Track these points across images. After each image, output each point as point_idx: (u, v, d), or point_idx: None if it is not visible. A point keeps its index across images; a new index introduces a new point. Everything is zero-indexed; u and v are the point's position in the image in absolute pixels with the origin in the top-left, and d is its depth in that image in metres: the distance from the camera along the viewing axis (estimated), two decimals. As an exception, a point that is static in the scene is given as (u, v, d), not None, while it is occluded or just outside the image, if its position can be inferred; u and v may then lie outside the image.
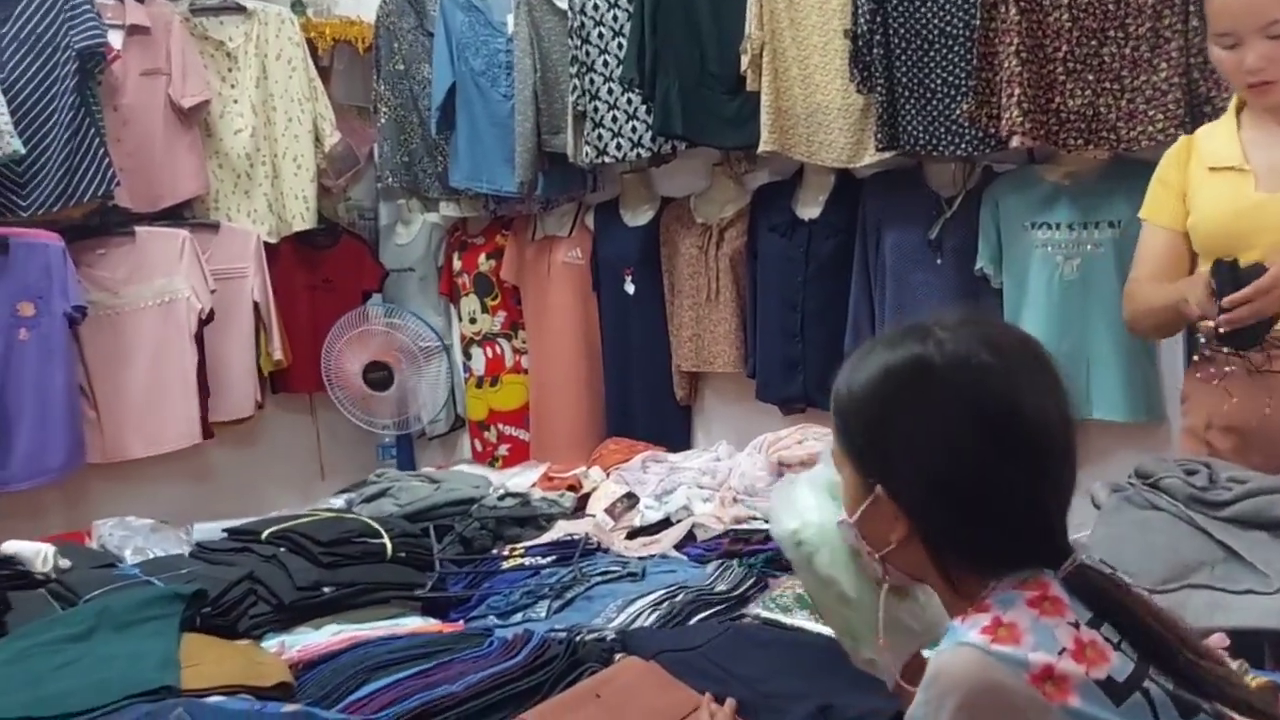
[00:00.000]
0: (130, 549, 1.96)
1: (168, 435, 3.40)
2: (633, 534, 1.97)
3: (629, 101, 3.03)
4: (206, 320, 3.41)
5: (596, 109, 3.07)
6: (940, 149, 2.50)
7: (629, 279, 3.30)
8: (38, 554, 1.78)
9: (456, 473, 2.39)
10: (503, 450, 3.70)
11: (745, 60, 2.74)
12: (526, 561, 1.80)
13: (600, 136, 3.06)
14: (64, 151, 3.03)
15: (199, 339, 3.42)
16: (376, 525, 1.85)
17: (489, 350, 3.72)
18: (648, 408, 3.29)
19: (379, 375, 3.66)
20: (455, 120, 3.46)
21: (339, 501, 2.19)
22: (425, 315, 3.80)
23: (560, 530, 1.95)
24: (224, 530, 1.97)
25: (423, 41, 3.63)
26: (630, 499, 2.08)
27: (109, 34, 3.18)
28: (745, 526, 1.85)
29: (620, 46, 3.02)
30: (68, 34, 3.04)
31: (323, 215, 3.79)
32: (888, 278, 2.69)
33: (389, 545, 1.79)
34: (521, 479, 2.37)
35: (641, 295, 3.29)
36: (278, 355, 3.61)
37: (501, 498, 2.11)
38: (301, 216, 3.65)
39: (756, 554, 1.71)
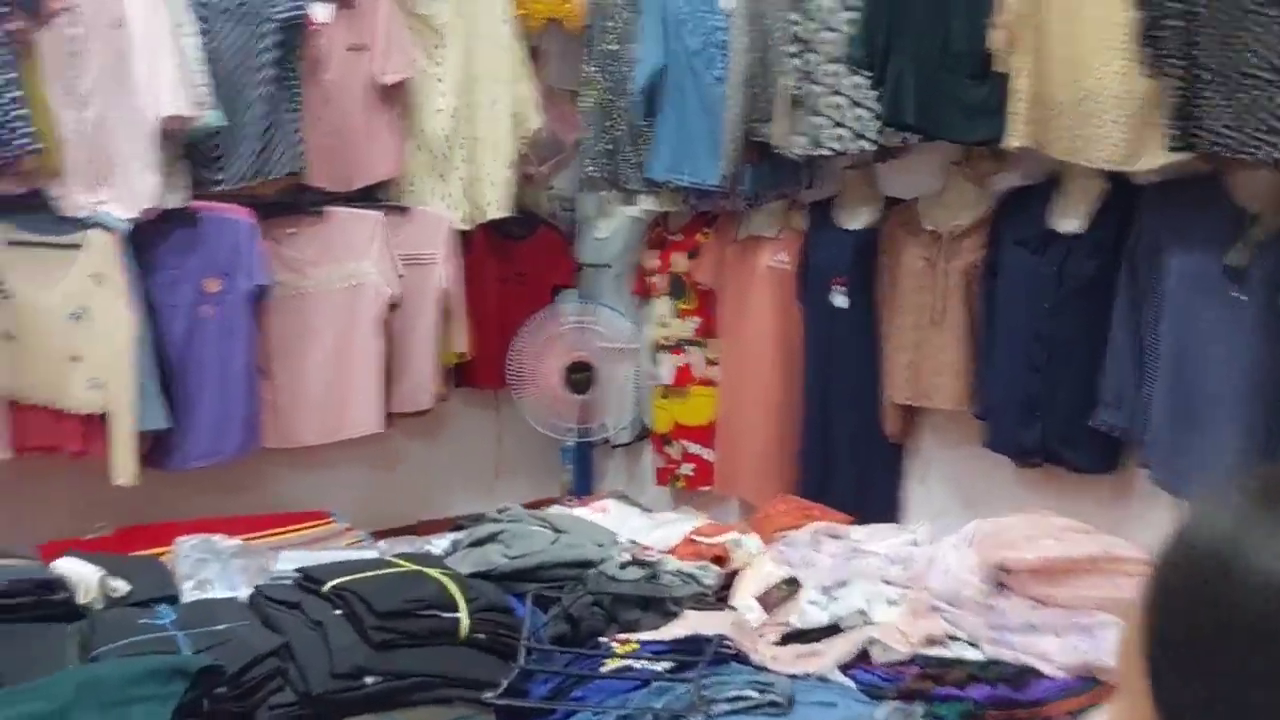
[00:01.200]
0: (197, 579, 1.74)
1: (346, 423, 3.29)
2: (787, 638, 1.55)
3: (854, 86, 2.60)
4: (393, 307, 3.27)
5: (814, 93, 2.66)
6: (1253, 152, 1.93)
7: (840, 290, 2.87)
8: (82, 580, 1.58)
9: (584, 522, 2.04)
10: (686, 469, 3.36)
11: (997, 36, 2.25)
12: (636, 665, 1.42)
13: (817, 125, 2.65)
14: (260, 126, 2.94)
15: (384, 326, 3.28)
16: (456, 592, 1.53)
17: (678, 358, 3.38)
18: (851, 440, 2.86)
19: (582, 377, 3.39)
20: (661, 105, 3.14)
21: (444, 543, 1.89)
22: (611, 316, 3.51)
23: (690, 623, 1.55)
24: (297, 570, 1.71)
25: (638, 20, 3.34)
26: (791, 586, 1.66)
27: (318, 7, 3.08)
28: (939, 653, 1.39)
29: (849, 22, 2.59)
30: (271, 4, 2.95)
31: (522, 204, 3.59)
32: (1166, 311, 2.14)
33: (465, 622, 1.47)
34: (663, 533, 1.98)
35: (853, 310, 2.85)
36: (461, 347, 3.43)
37: (625, 565, 1.74)
38: (496, 204, 3.44)
39: (951, 700, 1.26)
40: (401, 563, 1.67)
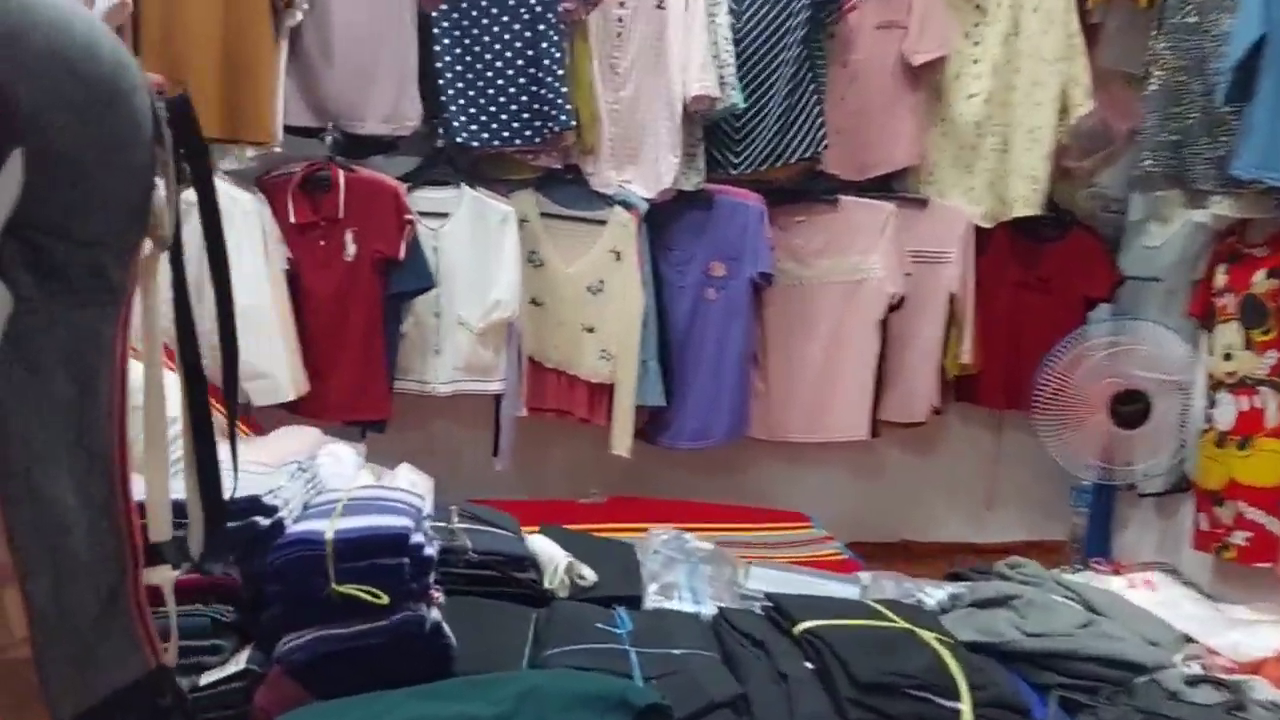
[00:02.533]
0: (662, 582, 1.58)
1: (833, 424, 3.14)
2: None
3: None
4: (895, 307, 3.04)
5: None
6: None
7: None
8: (551, 562, 1.50)
9: (1130, 605, 1.57)
10: (1238, 538, 2.72)
11: None
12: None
13: None
14: (781, 108, 2.85)
15: (883, 326, 3.06)
16: (957, 672, 1.21)
17: (1244, 400, 2.74)
18: None
19: (1131, 409, 2.88)
20: (1254, 87, 2.54)
21: (940, 594, 1.57)
22: (1163, 339, 2.94)
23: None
24: (766, 596, 1.50)
25: (1230, -16, 2.75)
26: None
27: (855, -18, 2.92)
28: None
29: None
30: (809, -19, 2.83)
31: (1054, 202, 3.16)
32: None
33: (967, 715, 1.16)
34: (1239, 638, 1.49)
35: None
36: (966, 359, 3.10)
37: (1193, 682, 1.30)
38: (1025, 200, 3.05)
39: None
40: (890, 615, 1.39)
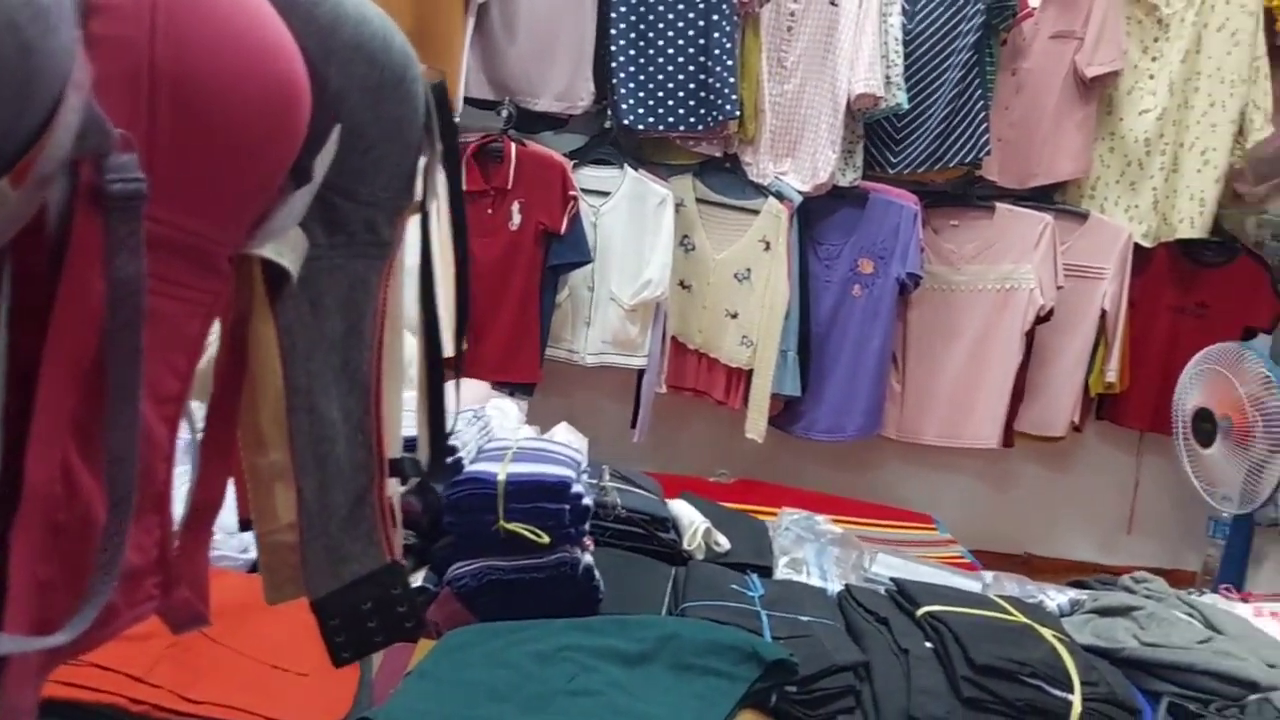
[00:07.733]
0: (792, 556, 1.65)
1: (968, 431, 3.13)
2: None
3: None
4: (1043, 319, 3.01)
5: None
6: None
7: None
8: (691, 526, 1.59)
9: (1252, 628, 1.55)
10: (1388, 587, 2.62)
11: None
12: None
13: None
14: (945, 112, 2.86)
15: (1029, 337, 3.04)
16: (1071, 666, 1.24)
17: None
18: None
19: (1205, 428, 2.86)
20: None
21: (1061, 599, 1.58)
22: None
23: None
24: (891, 580, 1.55)
25: None
26: None
27: (1034, -10, 2.90)
28: None
29: None
30: (985, -13, 2.83)
31: (1220, 227, 3.08)
32: None
33: (1076, 709, 1.18)
34: None
35: None
36: (1111, 377, 3.05)
37: None
38: (1191, 222, 2.99)
39: None
40: (1011, 610, 1.43)
